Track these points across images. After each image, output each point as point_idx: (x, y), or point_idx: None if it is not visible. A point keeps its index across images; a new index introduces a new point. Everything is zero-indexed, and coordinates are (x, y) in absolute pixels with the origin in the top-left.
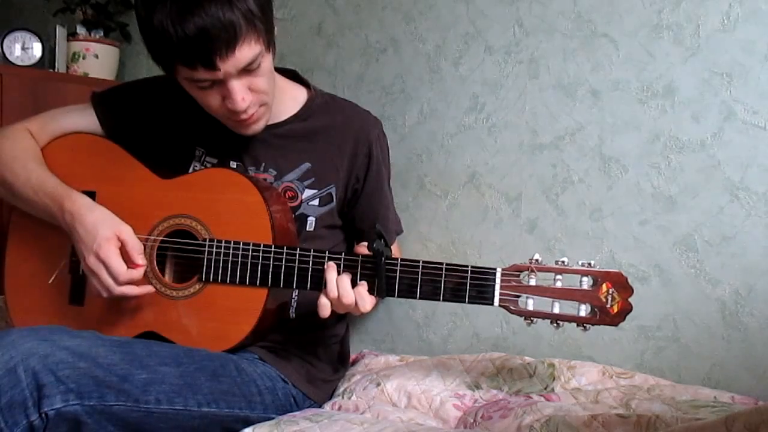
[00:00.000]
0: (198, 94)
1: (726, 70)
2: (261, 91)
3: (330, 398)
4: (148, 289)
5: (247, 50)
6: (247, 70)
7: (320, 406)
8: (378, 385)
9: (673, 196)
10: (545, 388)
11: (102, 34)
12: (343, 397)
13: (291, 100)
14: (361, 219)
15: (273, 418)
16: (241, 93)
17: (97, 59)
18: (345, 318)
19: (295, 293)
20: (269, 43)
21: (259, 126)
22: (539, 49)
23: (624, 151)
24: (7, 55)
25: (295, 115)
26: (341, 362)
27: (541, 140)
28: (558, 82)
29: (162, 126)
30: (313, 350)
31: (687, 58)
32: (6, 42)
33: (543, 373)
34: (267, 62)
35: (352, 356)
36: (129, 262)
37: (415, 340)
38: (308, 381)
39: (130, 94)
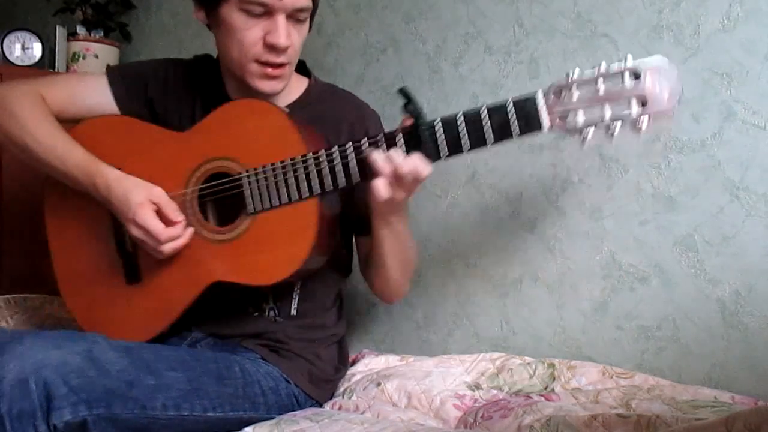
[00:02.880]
0: (241, 23)
1: (726, 70)
2: (294, 47)
3: (331, 398)
4: (190, 232)
5: None
6: (296, 18)
7: (321, 406)
8: (378, 385)
9: (673, 196)
10: (545, 388)
11: (102, 34)
12: (343, 397)
13: (292, 87)
14: (359, 205)
15: (275, 418)
16: (286, 30)
17: (97, 59)
18: (344, 318)
19: (297, 286)
20: (312, 16)
21: (278, 85)
22: (539, 49)
23: (624, 151)
24: (7, 55)
25: (296, 102)
26: (341, 362)
27: (541, 140)
28: None
29: (174, 102)
30: (314, 350)
31: (687, 58)
32: (6, 42)
33: (543, 373)
34: (305, 28)
35: (353, 356)
36: (168, 222)
37: (415, 340)
38: (310, 381)
39: (150, 69)
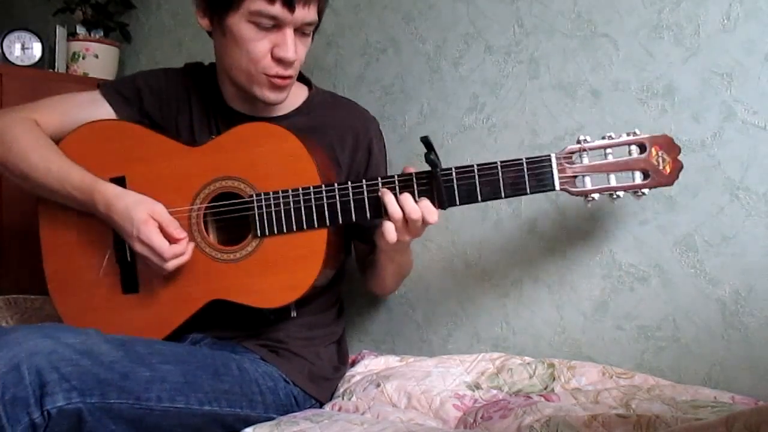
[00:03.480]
0: (250, 35)
1: (726, 70)
2: (299, 59)
3: (331, 397)
4: (191, 246)
5: (314, 12)
6: (302, 32)
7: (321, 405)
8: (378, 385)
9: (673, 196)
10: (545, 388)
11: (102, 34)
12: (343, 398)
13: (293, 95)
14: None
15: (273, 418)
16: (294, 44)
17: (97, 59)
18: (342, 317)
19: None
20: (315, 30)
21: (283, 95)
22: (539, 49)
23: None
24: (7, 55)
25: (297, 110)
26: (341, 361)
27: (541, 140)
28: (558, 82)
29: (171, 114)
30: (313, 349)
31: (687, 58)
32: (6, 42)
33: (543, 373)
34: (309, 40)
35: (353, 357)
36: (171, 239)
37: (415, 340)
38: (311, 380)
39: (143, 82)
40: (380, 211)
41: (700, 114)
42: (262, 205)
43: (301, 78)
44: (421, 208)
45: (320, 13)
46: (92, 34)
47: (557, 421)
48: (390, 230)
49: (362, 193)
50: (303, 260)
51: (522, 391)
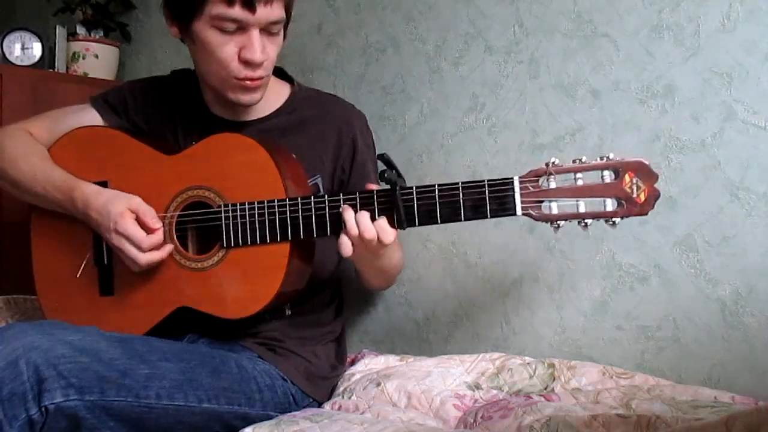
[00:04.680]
0: (216, 40)
1: (726, 70)
2: (269, 59)
3: (329, 396)
4: (169, 248)
5: (279, 10)
6: (269, 31)
7: (320, 404)
8: (378, 384)
9: (673, 196)
10: (545, 388)
11: (102, 34)
12: (343, 397)
13: (275, 95)
14: None
15: (272, 416)
16: (261, 45)
17: (97, 59)
18: (341, 315)
19: None
20: (286, 26)
21: (257, 95)
22: (539, 49)
23: (624, 151)
24: (7, 55)
25: (279, 110)
26: (339, 360)
27: (541, 140)
28: (558, 82)
29: (156, 123)
30: (311, 348)
31: (687, 58)
32: (6, 42)
33: (543, 373)
34: (280, 38)
35: (353, 356)
36: (146, 229)
37: (415, 340)
38: (307, 379)
39: (129, 92)
40: (340, 228)
41: (700, 114)
42: (229, 216)
43: (283, 76)
44: (377, 228)
45: (287, 9)
46: (92, 34)
47: (557, 421)
48: (345, 245)
49: (324, 209)
50: (265, 272)
51: (522, 391)
